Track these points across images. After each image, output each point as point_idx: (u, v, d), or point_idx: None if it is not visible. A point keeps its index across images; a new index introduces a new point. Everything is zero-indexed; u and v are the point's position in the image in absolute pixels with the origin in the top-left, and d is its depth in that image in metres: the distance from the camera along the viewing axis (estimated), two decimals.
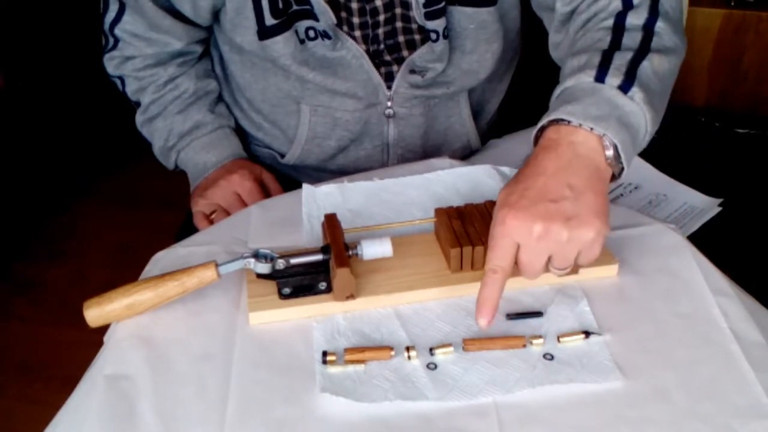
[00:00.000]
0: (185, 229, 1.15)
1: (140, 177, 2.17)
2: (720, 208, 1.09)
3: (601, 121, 0.76)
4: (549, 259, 0.75)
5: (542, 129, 0.78)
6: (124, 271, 0.90)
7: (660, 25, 0.86)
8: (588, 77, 0.80)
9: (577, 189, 0.73)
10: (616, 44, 0.84)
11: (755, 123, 1.50)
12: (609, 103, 0.77)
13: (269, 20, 1.02)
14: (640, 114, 0.79)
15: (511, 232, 0.73)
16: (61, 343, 1.79)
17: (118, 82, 1.17)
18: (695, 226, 1.06)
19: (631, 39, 0.84)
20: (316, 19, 1.02)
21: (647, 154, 1.17)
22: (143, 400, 0.74)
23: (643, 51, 0.83)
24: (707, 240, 0.99)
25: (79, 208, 2.22)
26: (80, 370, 0.79)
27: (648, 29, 0.86)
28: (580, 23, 0.91)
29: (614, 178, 0.78)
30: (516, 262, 0.75)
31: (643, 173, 1.15)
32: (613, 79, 0.79)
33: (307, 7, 1.01)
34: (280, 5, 1.01)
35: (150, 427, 0.72)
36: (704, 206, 1.10)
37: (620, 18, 0.87)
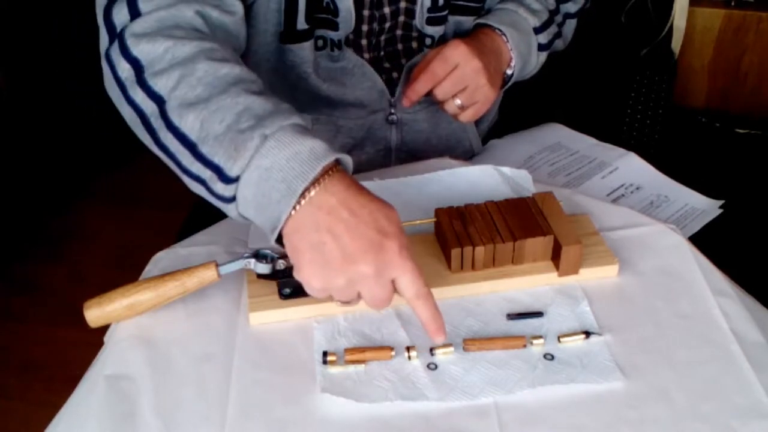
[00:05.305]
0: (186, 228, 1.14)
1: (140, 177, 2.16)
2: (721, 210, 1.09)
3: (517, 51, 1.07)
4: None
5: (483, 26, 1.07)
6: (124, 271, 0.90)
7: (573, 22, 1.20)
8: (533, 23, 1.10)
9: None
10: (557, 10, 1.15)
11: (755, 123, 1.50)
12: (530, 48, 1.10)
13: (302, 24, 0.98)
14: (536, 64, 1.13)
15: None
16: (61, 343, 1.79)
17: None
18: (696, 228, 1.06)
19: (562, 17, 1.17)
20: (334, 29, 1.00)
21: (648, 155, 1.18)
22: (143, 400, 0.74)
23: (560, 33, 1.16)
24: (708, 240, 0.99)
25: (79, 208, 2.22)
26: (80, 370, 0.79)
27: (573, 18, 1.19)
28: None
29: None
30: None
31: (644, 174, 1.14)
32: (542, 37, 1.11)
33: (329, 16, 0.99)
34: (311, 11, 0.98)
35: (150, 427, 0.72)
36: (705, 208, 1.09)
37: None
